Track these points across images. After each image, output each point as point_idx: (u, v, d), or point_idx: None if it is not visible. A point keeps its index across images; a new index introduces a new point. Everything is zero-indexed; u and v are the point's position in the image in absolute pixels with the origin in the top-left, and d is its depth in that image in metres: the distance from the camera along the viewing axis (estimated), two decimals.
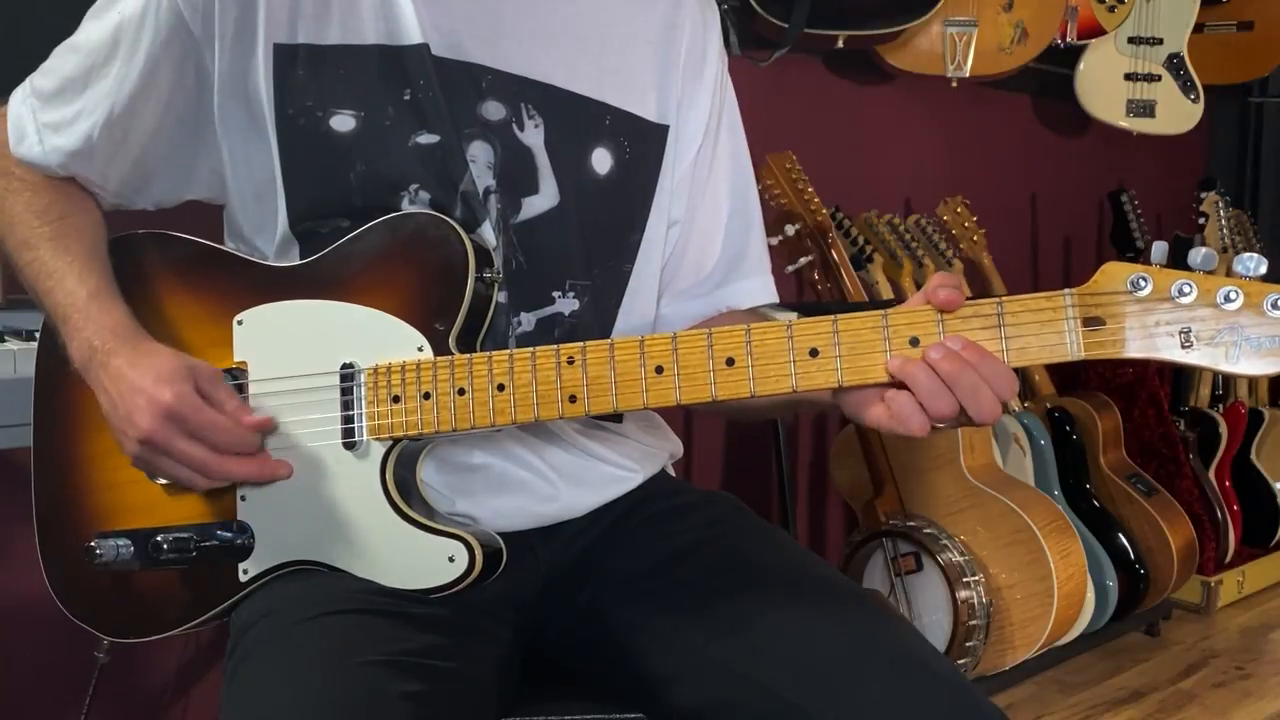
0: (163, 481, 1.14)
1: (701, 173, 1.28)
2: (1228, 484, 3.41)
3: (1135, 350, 0.90)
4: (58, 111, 1.17)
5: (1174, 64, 3.38)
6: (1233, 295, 0.87)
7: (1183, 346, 0.89)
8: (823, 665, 1.04)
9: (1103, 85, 3.35)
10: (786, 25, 2.61)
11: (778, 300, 1.34)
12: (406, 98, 1.12)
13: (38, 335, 1.24)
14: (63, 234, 1.17)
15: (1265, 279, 0.87)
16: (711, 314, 1.30)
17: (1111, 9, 3.21)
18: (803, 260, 2.59)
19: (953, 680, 1.04)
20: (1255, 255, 0.87)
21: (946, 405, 0.93)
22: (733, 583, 1.14)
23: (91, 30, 1.16)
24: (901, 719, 1.00)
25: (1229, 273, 0.89)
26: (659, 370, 1.00)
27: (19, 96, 1.21)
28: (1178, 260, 0.90)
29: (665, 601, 1.14)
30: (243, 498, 1.12)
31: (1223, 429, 3.42)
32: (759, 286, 1.33)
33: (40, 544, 1.21)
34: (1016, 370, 0.93)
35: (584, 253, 1.19)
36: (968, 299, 0.94)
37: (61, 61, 1.18)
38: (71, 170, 1.19)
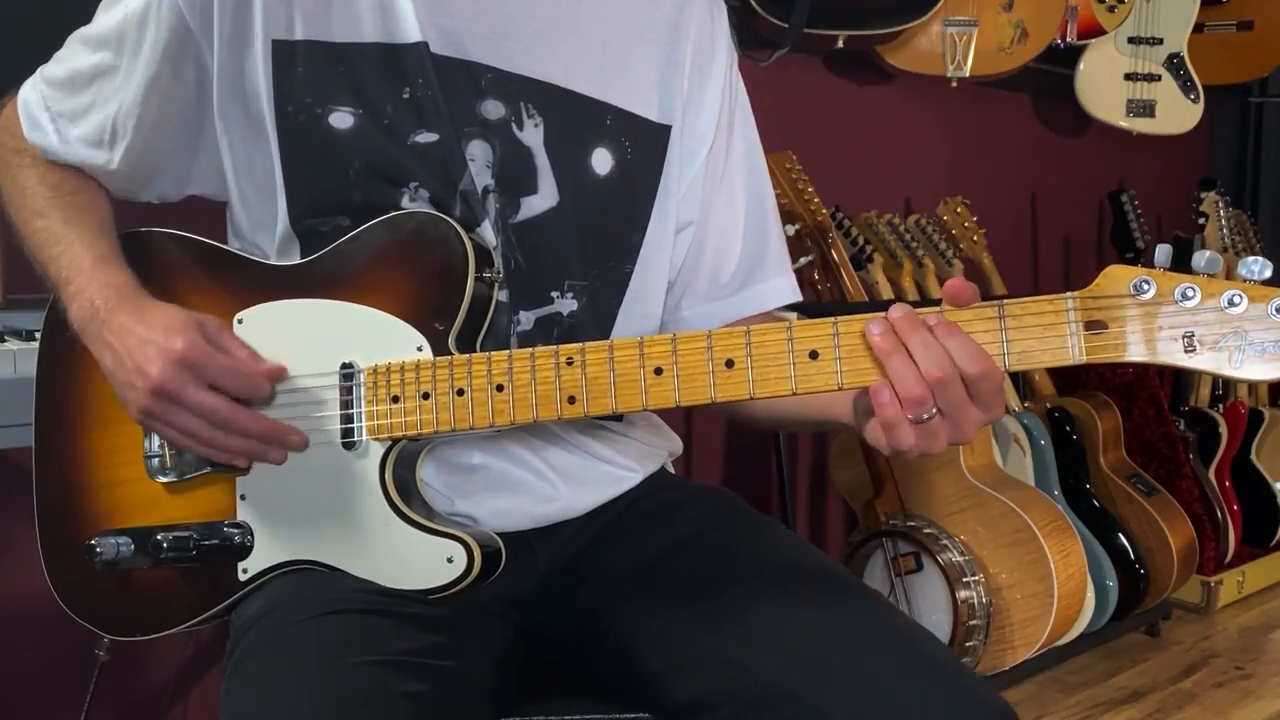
0: (163, 480, 1.14)
1: (715, 172, 1.27)
2: (1228, 484, 3.41)
3: (1138, 354, 0.89)
4: (70, 102, 1.19)
5: (1174, 64, 3.38)
6: (1237, 299, 0.86)
7: (1186, 351, 0.88)
8: (818, 651, 1.04)
9: (1103, 85, 3.35)
10: (786, 25, 2.61)
11: (800, 298, 1.33)
12: (405, 96, 1.12)
13: (38, 335, 1.24)
14: (75, 206, 1.19)
15: (1269, 283, 0.87)
16: (735, 318, 1.28)
17: (1111, 9, 3.21)
18: (803, 260, 2.59)
19: (948, 664, 1.04)
20: (1260, 259, 0.86)
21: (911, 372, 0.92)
22: (729, 574, 1.14)
23: (101, 23, 1.17)
24: (897, 703, 1.00)
25: (1231, 275, 0.88)
26: (658, 371, 1.00)
27: (30, 85, 1.23)
28: (1179, 260, 0.90)
29: (662, 595, 1.14)
30: (243, 496, 1.12)
31: (1223, 429, 3.42)
32: (782, 286, 1.32)
33: (41, 542, 1.21)
34: (1016, 373, 0.93)
35: (582, 253, 1.18)
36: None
37: (72, 52, 1.20)
38: (80, 160, 1.20)
